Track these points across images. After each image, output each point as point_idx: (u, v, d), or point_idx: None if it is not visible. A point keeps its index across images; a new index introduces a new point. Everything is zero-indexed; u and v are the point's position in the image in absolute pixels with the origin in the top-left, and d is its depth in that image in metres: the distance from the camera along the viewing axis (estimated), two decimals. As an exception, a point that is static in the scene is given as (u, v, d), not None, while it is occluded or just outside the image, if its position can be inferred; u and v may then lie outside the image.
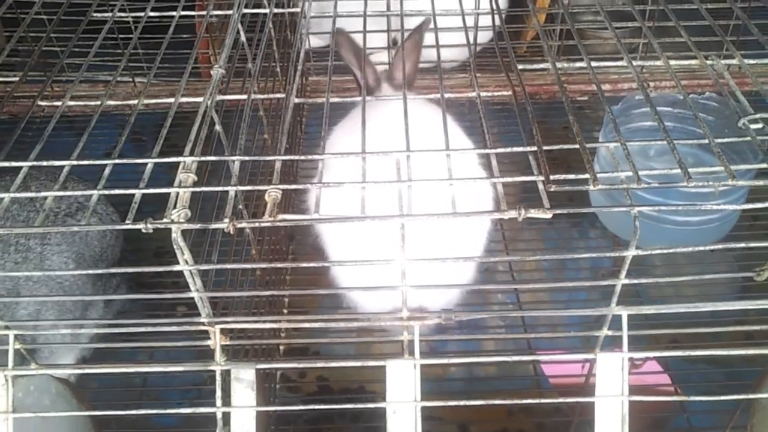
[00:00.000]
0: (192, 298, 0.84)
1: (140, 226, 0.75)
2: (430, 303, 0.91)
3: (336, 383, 1.70)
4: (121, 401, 1.55)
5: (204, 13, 1.11)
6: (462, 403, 0.85)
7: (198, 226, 0.76)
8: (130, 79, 2.08)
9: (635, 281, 0.86)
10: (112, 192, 0.82)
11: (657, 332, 0.98)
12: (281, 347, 1.48)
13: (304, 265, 0.84)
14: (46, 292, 1.45)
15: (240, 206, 0.90)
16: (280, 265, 0.79)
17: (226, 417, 0.89)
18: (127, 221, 0.76)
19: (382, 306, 0.92)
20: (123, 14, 1.14)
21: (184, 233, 0.78)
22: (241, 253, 1.12)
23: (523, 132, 0.88)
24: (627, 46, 1.04)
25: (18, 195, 0.82)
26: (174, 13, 1.13)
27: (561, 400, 0.88)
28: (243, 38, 1.11)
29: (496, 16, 1.21)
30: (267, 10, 1.14)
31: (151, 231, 0.76)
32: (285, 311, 1.50)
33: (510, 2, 2.27)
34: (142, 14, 1.13)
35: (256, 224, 0.76)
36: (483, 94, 0.96)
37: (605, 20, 1.12)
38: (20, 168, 0.88)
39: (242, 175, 0.86)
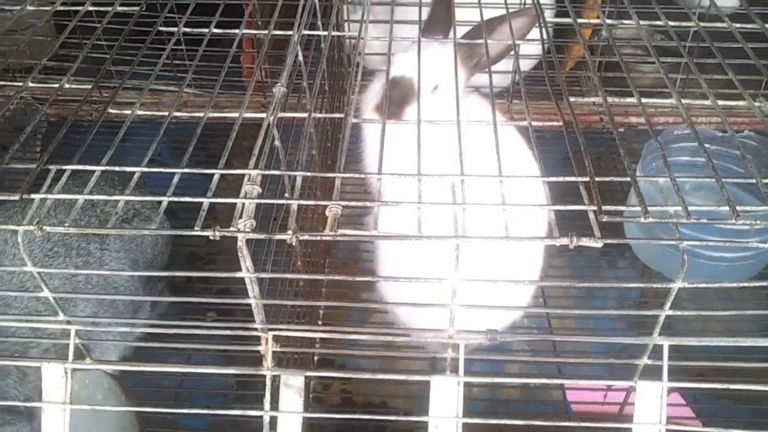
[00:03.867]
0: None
1: (208, 233, 0.79)
2: (478, 323, 0.93)
3: (359, 397, 1.72)
4: (151, 401, 1.58)
5: (266, 32, 1.15)
6: (504, 421, 0.88)
7: (263, 236, 0.80)
8: (177, 89, 2.14)
9: (679, 312, 0.88)
10: (181, 199, 0.86)
11: (693, 365, 1.00)
12: (315, 357, 1.51)
13: (359, 279, 0.87)
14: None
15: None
16: (338, 278, 0.82)
17: (272, 422, 0.92)
18: (195, 227, 0.80)
19: (428, 322, 0.94)
20: (188, 29, 1.19)
21: (247, 242, 0.82)
22: (287, 263, 1.15)
23: (573, 161, 0.90)
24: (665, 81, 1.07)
25: (92, 197, 0.87)
26: (237, 31, 1.18)
27: (600, 424, 0.90)
28: (300, 58, 1.15)
29: (546, 44, 1.24)
30: (325, 33, 1.18)
31: (218, 239, 0.79)
32: (320, 322, 1.54)
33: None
34: (205, 30, 1.18)
35: (318, 237, 0.79)
36: (534, 123, 0.99)
37: (653, 56, 1.15)
38: (84, 171, 0.91)
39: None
